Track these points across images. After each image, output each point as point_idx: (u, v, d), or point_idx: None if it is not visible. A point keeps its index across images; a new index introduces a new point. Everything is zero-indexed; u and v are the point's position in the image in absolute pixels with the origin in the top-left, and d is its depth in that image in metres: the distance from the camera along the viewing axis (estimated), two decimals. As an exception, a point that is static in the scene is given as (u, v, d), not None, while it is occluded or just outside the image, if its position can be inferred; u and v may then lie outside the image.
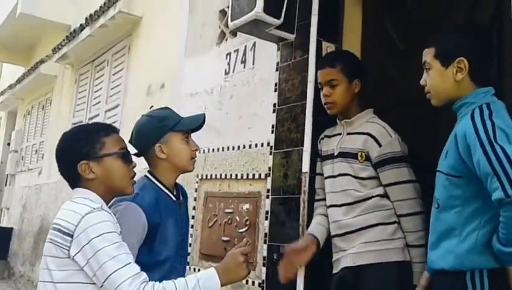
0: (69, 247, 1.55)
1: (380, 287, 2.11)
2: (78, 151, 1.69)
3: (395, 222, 2.16)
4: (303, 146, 2.73)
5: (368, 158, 2.21)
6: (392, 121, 2.30)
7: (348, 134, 2.32)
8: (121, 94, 5.58)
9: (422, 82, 1.83)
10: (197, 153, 2.08)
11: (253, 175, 3.16)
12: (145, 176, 2.02)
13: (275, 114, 3.05)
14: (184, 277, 2.00)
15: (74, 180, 1.72)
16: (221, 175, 3.45)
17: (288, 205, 2.81)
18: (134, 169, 1.80)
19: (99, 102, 6.26)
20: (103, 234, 1.55)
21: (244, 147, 3.31)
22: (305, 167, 2.68)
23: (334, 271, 2.28)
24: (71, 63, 7.31)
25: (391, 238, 2.14)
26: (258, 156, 3.16)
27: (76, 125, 2.10)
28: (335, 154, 2.32)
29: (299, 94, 2.88)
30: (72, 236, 1.55)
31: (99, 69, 6.47)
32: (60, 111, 7.63)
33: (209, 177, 3.57)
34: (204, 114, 2.11)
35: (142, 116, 2.07)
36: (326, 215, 2.36)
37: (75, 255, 1.55)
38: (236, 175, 3.31)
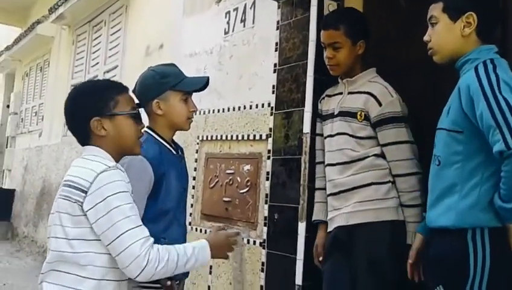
0: (82, 203, 1.55)
1: (373, 246, 2.12)
2: (91, 107, 1.67)
3: (389, 182, 2.15)
4: (304, 106, 2.70)
5: (367, 118, 2.19)
6: (393, 81, 2.27)
7: (349, 93, 2.28)
8: (119, 55, 5.52)
9: (426, 38, 1.79)
10: (194, 114, 2.08)
11: (254, 136, 3.15)
12: (145, 131, 2.03)
13: (275, 74, 3.01)
14: (185, 226, 2.11)
15: (84, 136, 1.70)
16: (221, 136, 3.44)
17: (289, 166, 2.81)
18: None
19: (97, 63, 6.20)
20: (118, 193, 1.55)
21: (244, 107, 3.29)
22: (306, 127, 2.66)
23: (329, 230, 2.29)
24: (68, 23, 7.20)
25: (385, 197, 2.14)
26: (259, 117, 3.14)
27: (88, 80, 2.04)
28: (335, 113, 2.30)
29: (300, 54, 2.84)
30: (86, 192, 1.54)
31: (96, 29, 6.38)
32: (58, 73, 7.56)
33: (209, 138, 3.56)
34: (208, 77, 2.10)
35: (148, 68, 2.07)
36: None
37: (87, 211, 1.54)
38: (237, 136, 3.30)
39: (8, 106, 10.32)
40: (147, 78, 2.02)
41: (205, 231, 3.45)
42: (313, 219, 2.45)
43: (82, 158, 1.66)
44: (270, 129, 3.01)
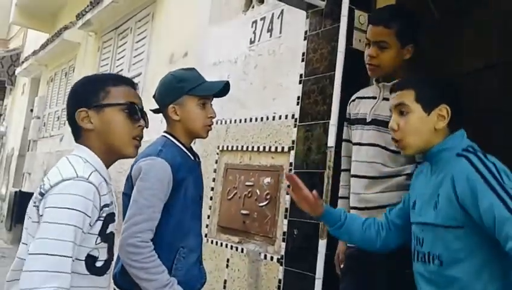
0: (38, 207, 1.36)
1: (393, 264, 1.93)
2: (80, 97, 1.51)
3: None
4: (329, 119, 2.61)
5: None
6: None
7: (384, 99, 2.07)
8: (144, 62, 5.51)
9: (393, 126, 1.65)
10: (213, 120, 2.00)
11: (276, 148, 3.07)
12: (163, 135, 1.99)
13: (301, 85, 2.93)
14: (201, 236, 2.00)
15: (74, 131, 1.53)
16: (242, 147, 3.36)
17: (311, 180, 2.70)
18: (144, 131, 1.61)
19: (121, 70, 6.19)
20: (67, 209, 1.32)
21: (267, 118, 3.20)
22: (331, 141, 2.57)
23: (348, 244, 2.16)
24: (94, 30, 7.24)
25: None
26: (282, 129, 3.05)
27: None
28: (367, 120, 2.11)
29: (327, 65, 2.75)
30: (43, 195, 1.36)
31: (122, 36, 6.39)
32: (83, 78, 7.60)
33: (230, 148, 3.48)
34: (228, 82, 2.02)
35: (168, 73, 2.02)
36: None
37: (41, 215, 1.35)
38: (258, 147, 3.22)
39: (31, 110, 10.41)
40: (165, 83, 1.98)
41: (221, 243, 3.35)
42: None
43: (66, 157, 1.48)
44: (293, 141, 2.91)
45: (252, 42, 3.52)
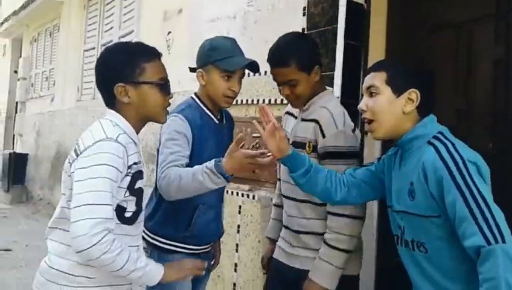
0: (72, 163, 1.56)
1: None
2: (117, 72, 1.63)
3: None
4: (334, 71, 2.77)
5: (315, 149, 1.97)
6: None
7: (302, 120, 2.07)
8: (135, 20, 5.53)
9: (362, 106, 1.66)
10: (235, 93, 2.07)
11: (282, 100, 3.22)
12: (191, 97, 2.13)
13: (303, 39, 3.05)
14: (222, 192, 2.16)
15: (109, 99, 1.67)
16: (247, 100, 3.51)
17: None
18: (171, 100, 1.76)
19: (111, 28, 6.21)
20: (102, 165, 1.49)
21: (271, 72, 3.34)
22: (337, 91, 2.73)
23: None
24: (79, -13, 7.17)
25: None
26: (286, 81, 3.20)
27: (120, 42, 1.96)
28: (290, 141, 2.02)
29: (329, 18, 2.88)
30: (78, 155, 1.53)
31: (109, -7, 6.36)
32: (69, 38, 7.56)
33: (235, 102, 3.59)
34: (253, 61, 2.07)
35: (208, 39, 2.11)
36: None
37: (72, 172, 1.54)
38: (263, 100, 3.37)
39: (15, 72, 10.32)
40: (200, 47, 2.09)
41: (232, 192, 3.56)
42: (265, 235, 2.41)
43: (98, 121, 1.64)
44: (298, 93, 3.06)
45: (250, -2, 3.61)
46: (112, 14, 6.22)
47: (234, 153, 1.75)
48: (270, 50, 2.09)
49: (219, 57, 2.02)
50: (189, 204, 2.01)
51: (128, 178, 1.58)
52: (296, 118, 2.14)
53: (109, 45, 1.78)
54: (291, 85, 1.99)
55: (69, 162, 1.58)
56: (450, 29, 2.59)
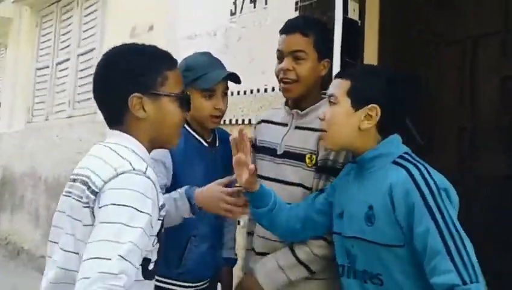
0: (93, 208, 1.18)
1: None
2: (133, 78, 1.29)
3: None
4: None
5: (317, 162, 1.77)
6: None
7: (296, 128, 1.83)
8: (97, 37, 5.26)
9: (320, 115, 1.55)
10: (222, 111, 1.93)
11: (271, 120, 3.07)
12: None
13: (295, 56, 2.92)
14: (217, 220, 1.93)
15: (116, 115, 1.32)
16: (231, 121, 3.33)
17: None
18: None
19: (68, 45, 5.88)
20: (124, 206, 1.13)
21: (258, 91, 3.18)
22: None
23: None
24: (30, 4, 6.79)
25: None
26: (277, 100, 3.04)
27: (131, 43, 1.43)
28: (278, 152, 1.83)
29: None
30: (96, 194, 1.18)
31: (66, 10, 6.06)
32: (19, 56, 7.13)
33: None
34: (233, 73, 1.95)
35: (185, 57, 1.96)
36: None
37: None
38: (249, 120, 3.20)
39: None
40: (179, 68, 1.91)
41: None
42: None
43: (105, 146, 1.29)
44: (290, 113, 2.92)
45: (233, 14, 3.45)
46: (69, 32, 5.89)
47: (211, 184, 1.61)
48: (288, 20, 1.88)
49: (194, 76, 1.85)
50: (180, 237, 1.81)
51: (159, 222, 1.27)
52: (281, 125, 1.89)
53: (116, 45, 1.40)
54: (297, 58, 1.76)
55: (84, 204, 1.20)
56: (456, 44, 2.54)
